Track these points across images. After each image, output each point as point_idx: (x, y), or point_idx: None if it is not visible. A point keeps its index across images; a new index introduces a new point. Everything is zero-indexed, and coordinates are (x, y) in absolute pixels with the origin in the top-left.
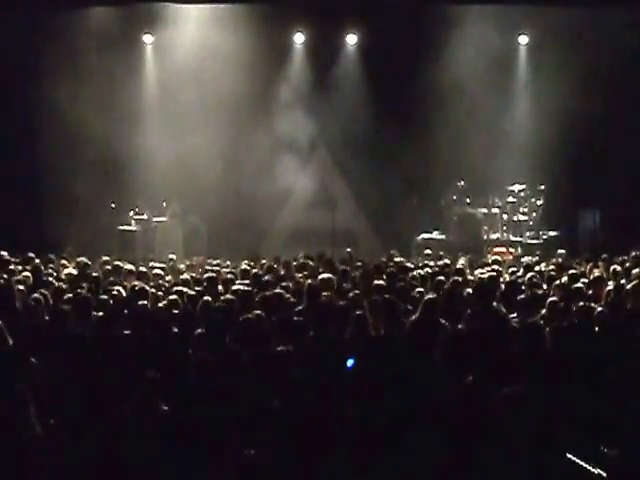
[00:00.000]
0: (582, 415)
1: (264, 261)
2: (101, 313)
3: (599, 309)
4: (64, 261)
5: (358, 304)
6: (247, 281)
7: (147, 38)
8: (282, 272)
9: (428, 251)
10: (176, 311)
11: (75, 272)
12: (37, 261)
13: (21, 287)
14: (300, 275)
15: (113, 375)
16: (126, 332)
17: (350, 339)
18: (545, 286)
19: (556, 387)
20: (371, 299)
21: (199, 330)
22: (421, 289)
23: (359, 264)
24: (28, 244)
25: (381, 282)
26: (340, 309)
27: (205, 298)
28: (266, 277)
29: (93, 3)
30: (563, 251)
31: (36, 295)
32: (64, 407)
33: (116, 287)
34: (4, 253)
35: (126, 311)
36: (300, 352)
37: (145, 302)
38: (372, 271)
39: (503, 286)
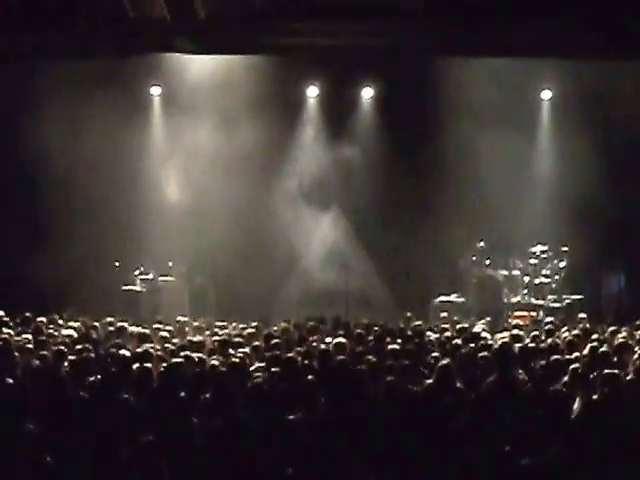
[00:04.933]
0: None
1: (283, 325)
2: (103, 376)
3: (627, 377)
4: (63, 322)
5: (375, 368)
6: (256, 344)
7: (155, 90)
8: (294, 336)
9: (444, 314)
10: (182, 375)
11: (75, 334)
12: (37, 321)
13: (28, 346)
14: (312, 339)
15: (113, 441)
16: (128, 396)
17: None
18: (567, 352)
19: (581, 459)
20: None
21: (206, 395)
22: (436, 354)
23: (375, 328)
24: (26, 304)
25: (395, 346)
26: (354, 374)
27: (212, 362)
28: (276, 340)
29: (99, 54)
30: (584, 315)
31: (36, 360)
32: (64, 474)
33: (119, 349)
34: (1, 313)
35: (129, 375)
36: (312, 419)
37: (149, 365)
38: (386, 335)
39: (523, 351)
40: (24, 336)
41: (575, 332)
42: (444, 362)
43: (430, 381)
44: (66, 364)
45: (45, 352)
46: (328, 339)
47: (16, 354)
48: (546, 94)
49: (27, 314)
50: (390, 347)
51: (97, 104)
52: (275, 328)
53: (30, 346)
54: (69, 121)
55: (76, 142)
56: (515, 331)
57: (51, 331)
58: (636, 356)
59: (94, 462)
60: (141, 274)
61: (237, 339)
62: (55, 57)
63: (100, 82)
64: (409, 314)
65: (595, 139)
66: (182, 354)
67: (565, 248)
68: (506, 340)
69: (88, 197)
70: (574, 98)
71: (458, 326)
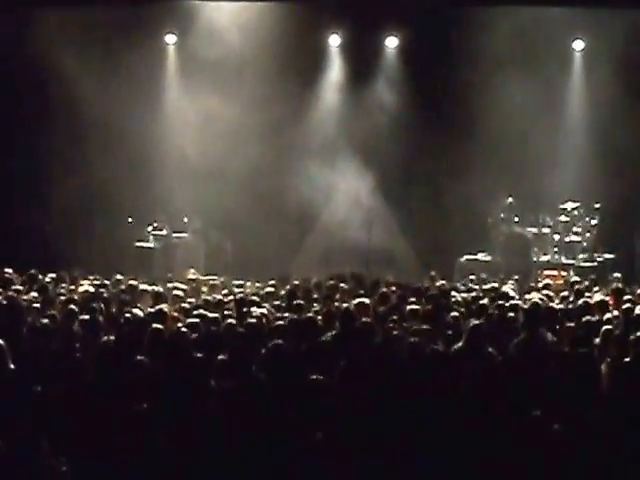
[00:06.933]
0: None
1: (296, 282)
2: (115, 337)
3: None
4: (73, 281)
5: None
6: (275, 304)
7: (170, 38)
8: (314, 295)
9: (472, 277)
10: (196, 335)
11: (92, 289)
12: (44, 279)
13: (35, 305)
14: (334, 298)
15: (124, 404)
16: (140, 358)
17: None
18: (599, 313)
19: (613, 423)
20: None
21: (221, 356)
22: (456, 314)
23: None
24: (34, 260)
25: (416, 307)
26: (377, 335)
27: (229, 321)
28: (296, 300)
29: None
30: (619, 275)
31: (44, 319)
32: (72, 439)
33: (132, 309)
34: (9, 270)
35: (142, 335)
36: (333, 382)
37: (161, 326)
38: (410, 295)
39: (553, 312)
40: (31, 294)
41: (607, 292)
42: (475, 323)
43: (460, 344)
44: (76, 323)
45: (53, 311)
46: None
47: (26, 313)
48: (578, 44)
49: (32, 271)
50: (413, 307)
51: (112, 53)
52: (293, 284)
53: (37, 305)
54: (84, 69)
55: (89, 91)
56: (545, 291)
57: (61, 290)
58: None
59: (102, 428)
60: (155, 230)
61: (255, 298)
62: (69, 3)
63: (116, 29)
64: (433, 273)
65: (629, 91)
66: (197, 313)
67: (597, 205)
68: (535, 300)
69: (101, 147)
70: (606, 48)
71: (485, 286)
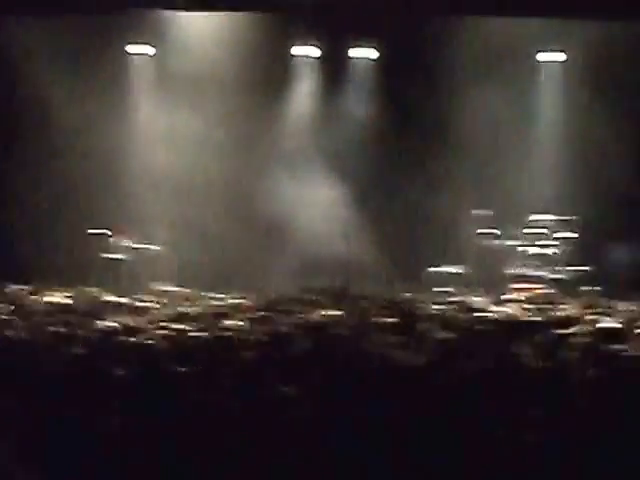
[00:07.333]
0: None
1: (269, 295)
2: (82, 350)
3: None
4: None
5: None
6: (248, 316)
7: (137, 49)
8: (287, 307)
9: (443, 289)
10: (167, 347)
11: (60, 301)
12: (11, 290)
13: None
14: (307, 310)
15: (94, 418)
16: (110, 370)
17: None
18: (570, 325)
19: (583, 443)
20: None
21: (193, 369)
22: (426, 326)
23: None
24: None
25: (391, 319)
26: (351, 347)
27: (201, 334)
28: (269, 313)
29: (73, 10)
30: (592, 288)
31: (9, 330)
32: (42, 455)
33: (100, 321)
34: None
35: (112, 348)
36: (304, 395)
37: (131, 338)
38: (380, 307)
39: (525, 324)
40: None
41: (579, 305)
42: (445, 335)
43: (429, 356)
44: (44, 336)
45: (19, 324)
46: (324, 311)
47: None
48: (552, 55)
49: None
50: (386, 320)
51: (79, 62)
52: (266, 297)
53: (3, 317)
54: (51, 77)
55: (55, 101)
56: (516, 304)
57: (28, 302)
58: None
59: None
60: (124, 242)
61: (227, 310)
62: (36, 10)
63: (83, 38)
64: (404, 285)
65: (604, 102)
66: (168, 326)
67: (571, 217)
68: (507, 313)
69: (69, 158)
70: (582, 59)
71: (456, 298)
